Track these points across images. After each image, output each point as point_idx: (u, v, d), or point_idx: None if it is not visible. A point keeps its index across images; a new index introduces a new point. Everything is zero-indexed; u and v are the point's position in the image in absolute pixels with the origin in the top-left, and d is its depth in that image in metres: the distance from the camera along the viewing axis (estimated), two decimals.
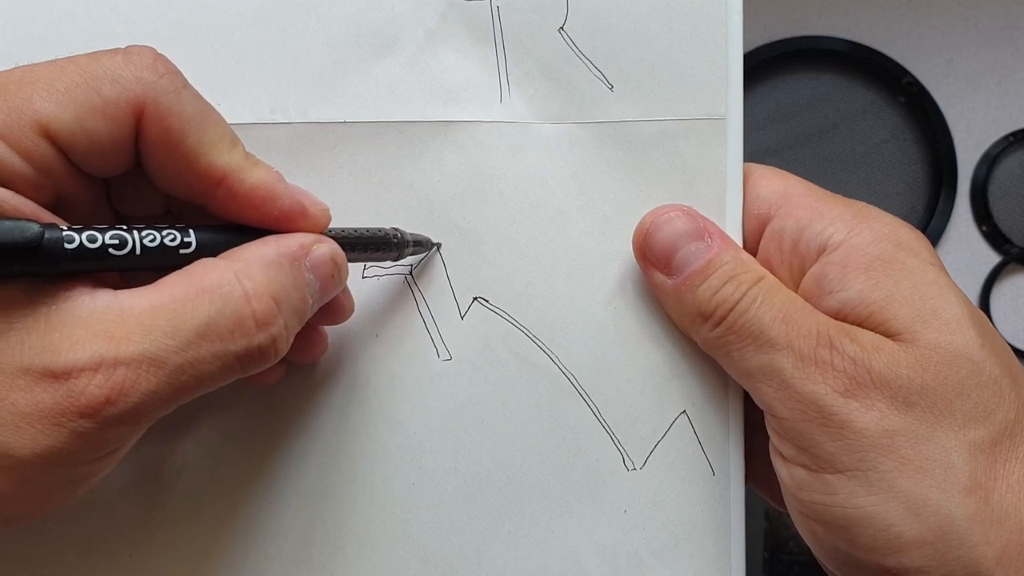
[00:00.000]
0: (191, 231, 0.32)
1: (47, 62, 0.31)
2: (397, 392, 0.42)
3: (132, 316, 0.30)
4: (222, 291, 0.31)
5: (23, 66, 0.31)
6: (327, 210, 0.36)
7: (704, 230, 0.40)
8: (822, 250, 0.39)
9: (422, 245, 0.41)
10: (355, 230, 0.37)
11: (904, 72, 0.94)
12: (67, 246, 0.29)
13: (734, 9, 0.42)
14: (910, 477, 0.35)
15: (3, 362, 0.29)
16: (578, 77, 0.42)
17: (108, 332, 0.29)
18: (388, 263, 0.41)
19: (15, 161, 0.30)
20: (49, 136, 0.30)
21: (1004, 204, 0.95)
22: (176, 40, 0.41)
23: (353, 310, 0.40)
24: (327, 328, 0.41)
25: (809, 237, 0.39)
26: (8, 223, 0.28)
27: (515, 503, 0.41)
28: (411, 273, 0.42)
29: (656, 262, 0.40)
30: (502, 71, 0.42)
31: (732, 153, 0.42)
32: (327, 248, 0.35)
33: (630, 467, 0.41)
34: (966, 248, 0.97)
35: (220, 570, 0.41)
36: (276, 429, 0.41)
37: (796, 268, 0.40)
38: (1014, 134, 0.93)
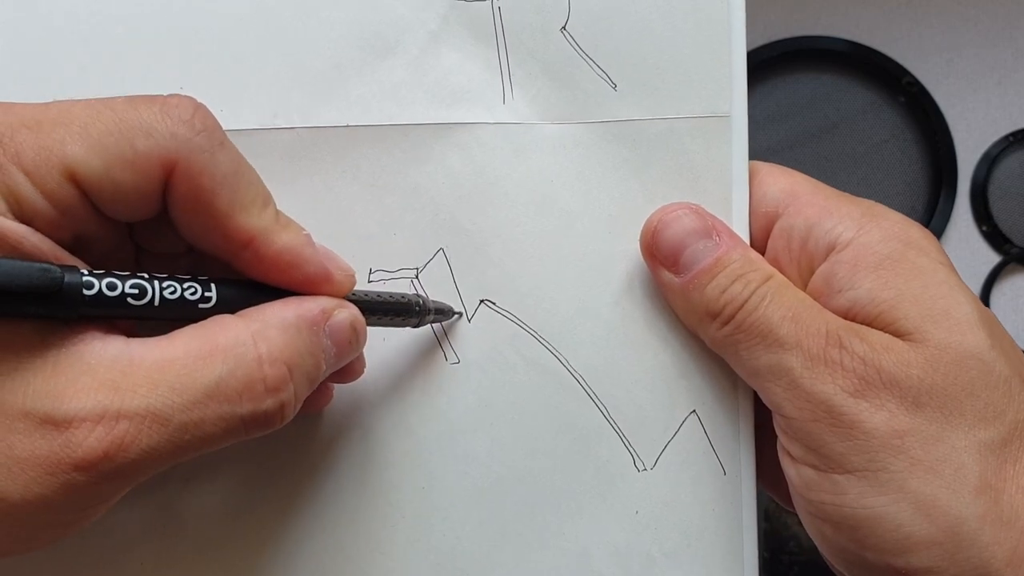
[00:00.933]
0: (212, 286, 0.31)
1: (84, 102, 0.31)
2: (405, 396, 0.41)
3: (142, 369, 0.29)
4: (236, 351, 0.30)
5: (60, 102, 0.31)
6: (353, 275, 0.35)
7: (712, 228, 0.40)
8: (831, 248, 0.39)
9: (443, 313, 0.41)
10: (378, 295, 0.37)
11: (904, 72, 0.94)
12: (86, 292, 0.28)
13: (736, 6, 0.41)
14: (920, 477, 0.35)
15: (6, 402, 0.28)
16: (581, 77, 0.42)
17: (115, 383, 0.29)
18: (403, 325, 0.40)
19: (38, 200, 0.29)
20: (75, 180, 0.30)
21: (1004, 204, 0.95)
22: (178, 45, 0.40)
23: (363, 371, 0.39)
24: None
25: (818, 235, 0.39)
26: (28, 265, 0.27)
27: (526, 506, 0.41)
28: (417, 276, 0.42)
29: (664, 260, 0.40)
30: (505, 72, 0.42)
31: (737, 151, 0.41)
32: (348, 315, 0.34)
33: (641, 468, 0.41)
34: (966, 248, 0.97)
35: (229, 570, 0.41)
36: (282, 435, 0.41)
37: (805, 266, 0.40)
38: (1014, 134, 0.93)
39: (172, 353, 0.30)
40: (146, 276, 0.30)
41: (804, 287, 0.39)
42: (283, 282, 0.34)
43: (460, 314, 0.42)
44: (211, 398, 0.30)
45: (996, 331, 0.37)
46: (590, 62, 0.42)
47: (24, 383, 0.28)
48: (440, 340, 0.42)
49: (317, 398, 0.39)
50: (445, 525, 0.41)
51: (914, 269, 0.37)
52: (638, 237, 0.41)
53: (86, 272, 0.28)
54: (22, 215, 0.29)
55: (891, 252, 0.38)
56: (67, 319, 0.29)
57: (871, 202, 0.40)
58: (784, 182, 0.41)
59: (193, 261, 0.37)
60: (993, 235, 0.95)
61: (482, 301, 0.42)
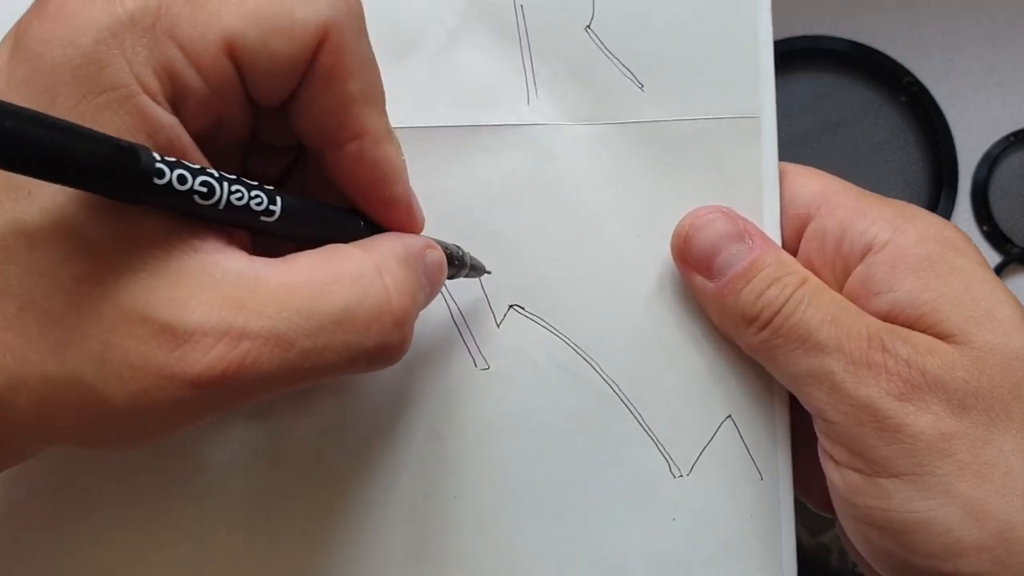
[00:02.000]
0: (278, 199, 0.30)
1: None
2: (435, 403, 0.40)
3: (268, 289, 0.28)
4: (363, 281, 0.29)
5: None
6: (425, 220, 0.35)
7: (745, 231, 0.39)
8: (867, 250, 0.38)
9: (476, 269, 0.40)
10: (436, 240, 0.36)
11: (904, 72, 0.93)
12: (156, 180, 0.26)
13: (763, 4, 0.41)
14: (968, 481, 0.34)
15: (126, 304, 0.26)
16: (607, 77, 0.41)
17: (240, 300, 0.27)
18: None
19: (192, 78, 0.28)
20: (233, 54, 0.28)
21: (1005, 204, 0.95)
22: None
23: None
24: None
25: (853, 237, 0.38)
26: (109, 138, 0.25)
27: (560, 514, 0.40)
28: None
29: (696, 265, 0.39)
30: (528, 72, 0.41)
31: (767, 152, 0.41)
32: (439, 254, 0.34)
33: (676, 474, 0.40)
34: None
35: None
36: (311, 446, 0.40)
37: (840, 269, 0.39)
38: (1015, 134, 0.93)
39: (297, 277, 0.28)
40: (215, 175, 0.28)
41: (839, 290, 0.39)
42: (369, 193, 0.33)
43: (490, 272, 0.41)
44: (338, 325, 0.28)
45: None
46: (616, 62, 0.41)
47: (146, 287, 0.27)
48: (469, 346, 0.41)
49: None
50: (478, 535, 0.40)
51: (954, 270, 0.37)
52: (667, 239, 0.40)
53: (158, 158, 0.26)
54: (174, 94, 0.28)
55: (929, 253, 0.37)
56: (127, 202, 0.26)
57: (903, 202, 0.39)
58: (815, 183, 0.41)
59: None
60: (994, 235, 0.95)
61: (511, 306, 0.41)
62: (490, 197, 0.41)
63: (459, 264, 0.38)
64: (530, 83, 0.41)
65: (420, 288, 0.32)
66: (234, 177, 0.28)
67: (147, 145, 0.27)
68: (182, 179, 0.26)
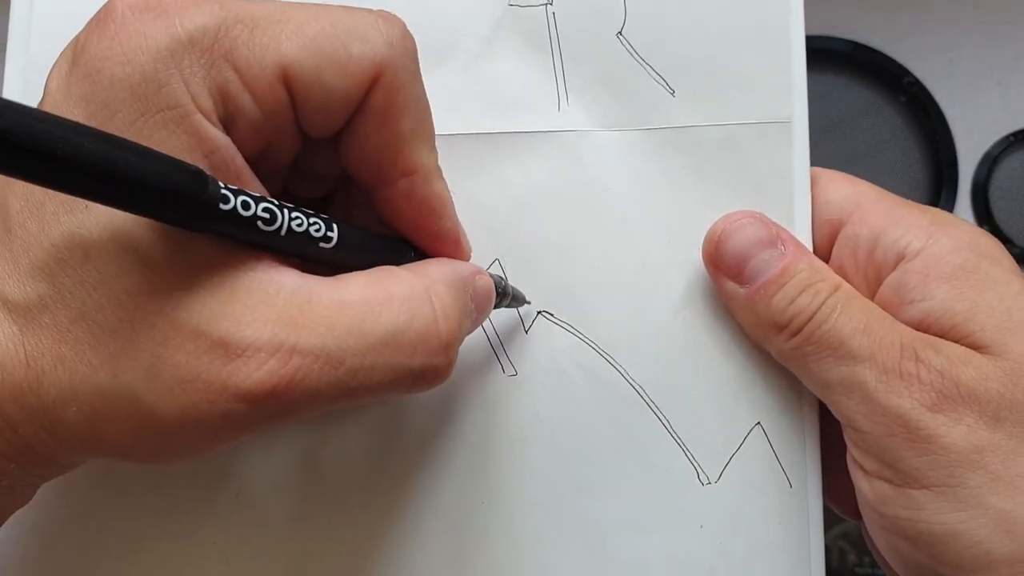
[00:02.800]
0: (335, 226, 0.30)
1: (300, 4, 0.30)
2: (463, 409, 0.40)
3: (320, 307, 0.28)
4: (412, 304, 0.30)
5: (275, 2, 0.29)
6: (471, 250, 0.36)
7: (777, 237, 0.39)
8: (900, 258, 0.38)
9: (517, 299, 0.40)
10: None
11: (905, 72, 0.93)
12: (222, 206, 0.26)
13: (796, 8, 0.41)
14: (1000, 494, 0.34)
15: (179, 319, 0.27)
16: (638, 83, 0.41)
17: (293, 318, 0.28)
18: None
19: (246, 101, 0.28)
20: (287, 81, 0.29)
21: (1005, 204, 0.95)
22: None
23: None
24: None
25: (886, 244, 0.38)
26: (182, 164, 0.25)
27: (587, 520, 0.40)
28: None
29: (728, 271, 0.39)
30: (559, 78, 0.41)
31: (799, 157, 0.41)
32: (488, 281, 0.35)
33: (704, 481, 0.40)
34: None
35: None
36: (340, 456, 0.40)
37: (872, 276, 0.39)
38: (1015, 134, 0.93)
39: (349, 296, 0.29)
40: (277, 203, 0.28)
41: (872, 297, 0.39)
42: (420, 227, 0.34)
43: (530, 303, 0.41)
44: (386, 346, 0.29)
45: None
46: (647, 67, 0.41)
47: (200, 302, 0.27)
48: (497, 352, 0.41)
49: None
50: (505, 540, 0.40)
51: (988, 280, 0.37)
52: (697, 246, 0.40)
53: (223, 185, 0.26)
54: (227, 116, 0.28)
55: (963, 262, 0.37)
56: (193, 229, 0.27)
57: (937, 209, 0.39)
58: (848, 189, 0.41)
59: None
60: (994, 235, 0.95)
61: (539, 312, 0.41)
62: (520, 203, 0.41)
63: (502, 294, 0.38)
64: (561, 90, 0.41)
65: (467, 314, 0.33)
66: (292, 205, 0.29)
67: (203, 164, 0.27)
68: (246, 205, 0.27)
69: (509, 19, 0.41)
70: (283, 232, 0.28)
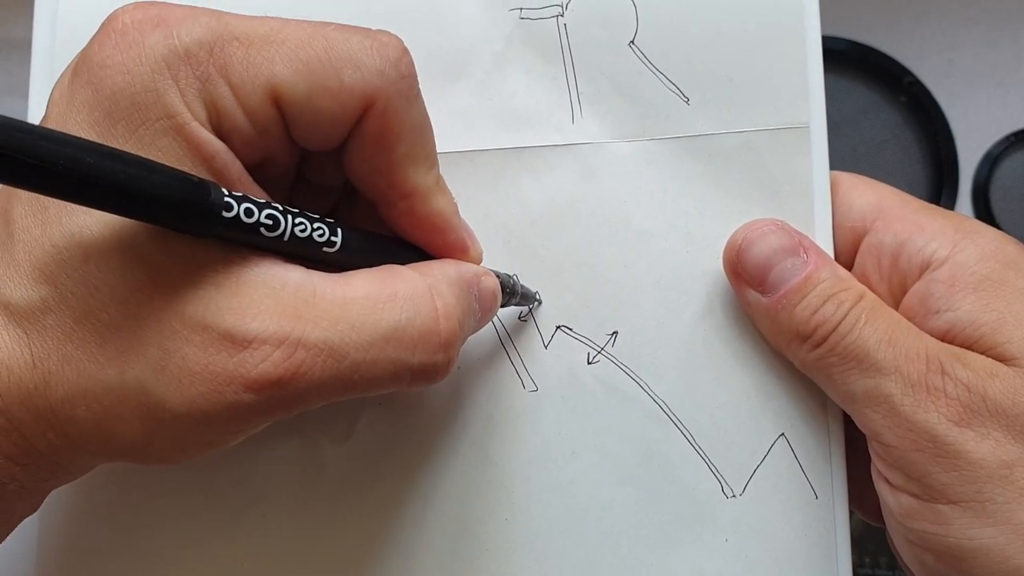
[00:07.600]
0: (339, 231, 0.31)
1: (297, 23, 0.30)
2: (484, 426, 0.40)
3: (324, 301, 0.29)
4: (414, 301, 0.31)
5: (272, 19, 0.30)
6: (482, 253, 0.36)
7: (800, 245, 0.38)
8: (925, 266, 0.37)
9: (527, 298, 0.40)
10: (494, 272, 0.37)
11: (905, 72, 0.93)
12: (224, 214, 0.27)
13: (811, 12, 0.40)
14: None
15: (186, 313, 0.27)
16: (652, 92, 0.40)
17: (297, 311, 0.28)
18: None
19: (238, 116, 0.29)
20: (278, 102, 0.29)
21: (1006, 204, 0.95)
22: None
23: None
24: None
25: (910, 252, 0.38)
26: (183, 175, 0.26)
27: (612, 536, 0.40)
28: None
29: (750, 280, 0.38)
30: (573, 90, 0.40)
31: (818, 162, 0.40)
32: (493, 282, 0.35)
33: (729, 494, 0.40)
34: None
35: None
36: (359, 469, 0.39)
37: (896, 285, 0.38)
38: (1016, 134, 0.93)
39: (352, 292, 0.30)
40: (280, 208, 0.29)
41: (896, 307, 0.38)
42: (424, 241, 0.34)
43: (540, 302, 0.40)
44: (388, 341, 0.30)
45: None
46: (661, 76, 0.40)
47: (205, 296, 0.28)
48: (517, 368, 0.40)
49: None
50: (530, 558, 0.39)
51: (1015, 291, 0.36)
52: (717, 255, 0.40)
53: (226, 193, 0.27)
54: (220, 128, 0.29)
55: (990, 272, 0.36)
56: (197, 235, 0.28)
57: (962, 216, 0.39)
58: (870, 195, 0.40)
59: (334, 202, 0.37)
60: None
61: (558, 327, 0.40)
62: (536, 217, 0.40)
63: (510, 292, 0.38)
64: (574, 101, 0.40)
65: (470, 314, 0.33)
66: (296, 210, 0.29)
67: (203, 170, 0.28)
68: (249, 212, 0.27)
69: (521, 33, 0.40)
70: (286, 237, 0.29)
